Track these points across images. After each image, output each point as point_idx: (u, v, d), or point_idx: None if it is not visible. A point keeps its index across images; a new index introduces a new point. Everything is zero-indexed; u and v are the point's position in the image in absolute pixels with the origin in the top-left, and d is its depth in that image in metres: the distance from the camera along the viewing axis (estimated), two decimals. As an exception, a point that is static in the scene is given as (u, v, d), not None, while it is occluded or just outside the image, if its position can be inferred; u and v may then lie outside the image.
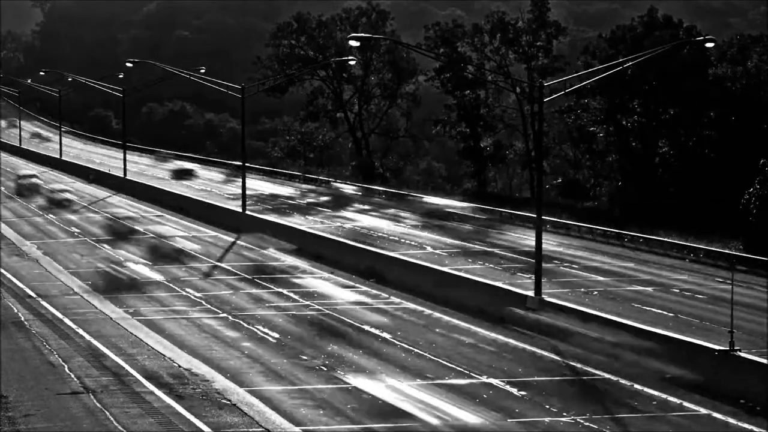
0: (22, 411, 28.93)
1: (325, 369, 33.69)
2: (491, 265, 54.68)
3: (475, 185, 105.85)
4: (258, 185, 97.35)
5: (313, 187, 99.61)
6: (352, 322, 41.08)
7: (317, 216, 75.95)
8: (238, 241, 63.68)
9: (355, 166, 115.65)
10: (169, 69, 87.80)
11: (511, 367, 34.26)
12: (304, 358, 35.22)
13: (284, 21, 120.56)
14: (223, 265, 55.14)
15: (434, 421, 28.25)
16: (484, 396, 30.65)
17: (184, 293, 46.91)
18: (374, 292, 47.60)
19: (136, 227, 70.04)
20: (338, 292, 47.88)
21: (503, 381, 32.27)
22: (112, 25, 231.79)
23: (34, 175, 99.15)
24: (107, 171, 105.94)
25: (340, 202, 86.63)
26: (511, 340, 38.10)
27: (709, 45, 56.87)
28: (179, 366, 33.94)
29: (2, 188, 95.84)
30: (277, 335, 38.58)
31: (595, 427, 27.91)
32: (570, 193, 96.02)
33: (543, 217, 43.33)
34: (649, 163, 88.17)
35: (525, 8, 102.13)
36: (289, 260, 56.58)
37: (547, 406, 29.74)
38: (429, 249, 60.46)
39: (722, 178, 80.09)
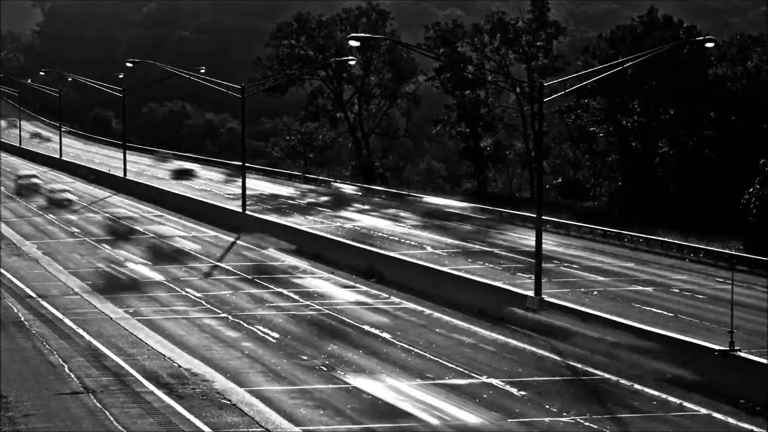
0: (22, 411, 28.92)
1: (325, 369, 33.69)
2: (491, 265, 54.69)
3: (475, 185, 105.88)
4: (258, 185, 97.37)
5: (313, 187, 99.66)
6: (352, 322, 41.08)
7: (317, 216, 75.97)
8: (239, 241, 63.69)
9: (355, 166, 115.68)
10: (169, 69, 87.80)
11: (511, 367, 34.25)
12: (304, 358, 35.21)
13: (284, 21, 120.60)
14: (223, 265, 55.14)
15: (434, 421, 28.23)
16: (484, 396, 30.64)
17: (184, 293, 46.91)
18: (374, 292, 47.60)
19: (136, 227, 70.05)
20: (338, 292, 47.89)
21: (503, 381, 32.26)
22: (112, 25, 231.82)
23: (34, 175, 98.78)
24: (107, 171, 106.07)
25: (340, 202, 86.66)
26: (511, 340, 38.09)
27: (709, 45, 56.90)
28: (179, 366, 33.93)
29: (2, 188, 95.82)
30: (277, 335, 38.57)
31: (595, 427, 27.91)
32: (570, 193, 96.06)
33: (543, 217, 43.32)
34: (649, 163, 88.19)
35: (525, 8, 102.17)
36: (289, 260, 56.58)
37: (547, 406, 29.73)
38: (429, 249, 60.47)
39: (722, 178, 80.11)
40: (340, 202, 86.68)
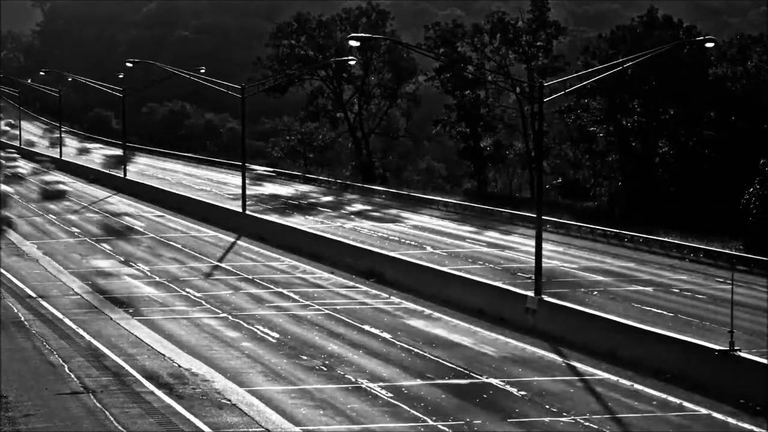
0: (22, 411, 28.92)
1: (325, 369, 33.68)
2: (491, 265, 54.69)
3: (475, 185, 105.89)
4: (258, 185, 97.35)
5: (314, 187, 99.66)
6: (352, 322, 41.08)
7: (317, 216, 75.97)
8: (239, 242, 63.68)
9: (355, 166, 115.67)
10: (169, 69, 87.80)
11: (511, 367, 34.25)
12: (304, 358, 35.21)
13: (284, 21, 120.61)
14: (223, 265, 55.12)
15: (434, 421, 28.22)
16: (484, 396, 30.64)
17: (184, 293, 46.90)
18: (374, 292, 47.59)
19: (136, 227, 70.04)
20: (338, 291, 47.88)
21: (503, 381, 32.25)
22: (112, 25, 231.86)
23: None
24: (107, 171, 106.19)
25: (340, 202, 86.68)
26: (511, 340, 38.08)
27: (709, 45, 56.90)
28: (179, 366, 33.93)
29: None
30: (277, 335, 38.57)
31: (595, 427, 27.90)
32: (570, 193, 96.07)
33: (543, 217, 43.32)
34: (649, 163, 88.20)
35: (525, 8, 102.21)
36: (289, 260, 56.57)
37: (547, 406, 29.73)
38: (429, 249, 60.47)
39: (722, 178, 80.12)
40: (340, 202, 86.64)
